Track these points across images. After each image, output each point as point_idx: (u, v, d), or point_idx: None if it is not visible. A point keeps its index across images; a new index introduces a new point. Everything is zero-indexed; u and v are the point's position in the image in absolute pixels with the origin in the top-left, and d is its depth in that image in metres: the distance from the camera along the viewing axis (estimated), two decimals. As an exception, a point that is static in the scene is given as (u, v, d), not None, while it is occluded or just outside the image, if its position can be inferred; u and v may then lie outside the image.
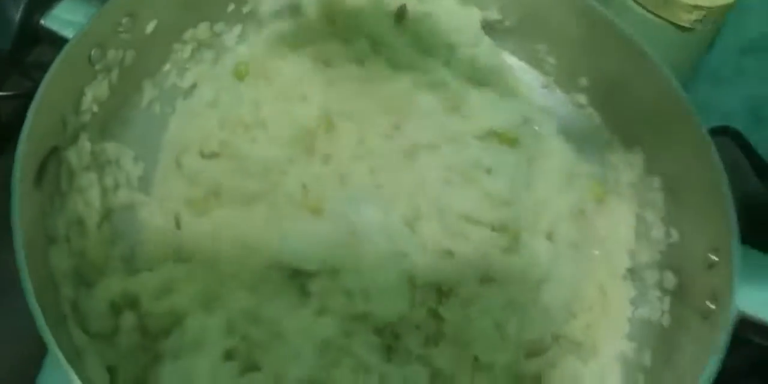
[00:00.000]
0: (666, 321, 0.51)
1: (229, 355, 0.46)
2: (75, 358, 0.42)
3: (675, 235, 0.53)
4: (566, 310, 0.53)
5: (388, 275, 0.49)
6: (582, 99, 0.62)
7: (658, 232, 0.55)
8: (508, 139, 0.58)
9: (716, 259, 0.47)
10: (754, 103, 0.76)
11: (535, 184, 0.57)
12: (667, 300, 0.52)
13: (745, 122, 0.78)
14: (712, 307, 0.45)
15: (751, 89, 0.76)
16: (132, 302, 0.49)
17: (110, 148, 0.55)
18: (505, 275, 0.52)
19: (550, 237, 0.55)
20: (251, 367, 0.46)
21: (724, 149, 0.77)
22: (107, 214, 0.52)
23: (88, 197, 0.52)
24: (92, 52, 0.49)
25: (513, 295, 0.51)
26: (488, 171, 0.55)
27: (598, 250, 0.57)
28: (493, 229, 0.53)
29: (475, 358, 0.49)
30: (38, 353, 0.52)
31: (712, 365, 0.40)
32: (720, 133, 0.79)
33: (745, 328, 0.42)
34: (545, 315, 0.52)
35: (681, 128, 0.53)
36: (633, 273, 0.55)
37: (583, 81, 0.62)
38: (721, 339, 0.41)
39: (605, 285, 0.55)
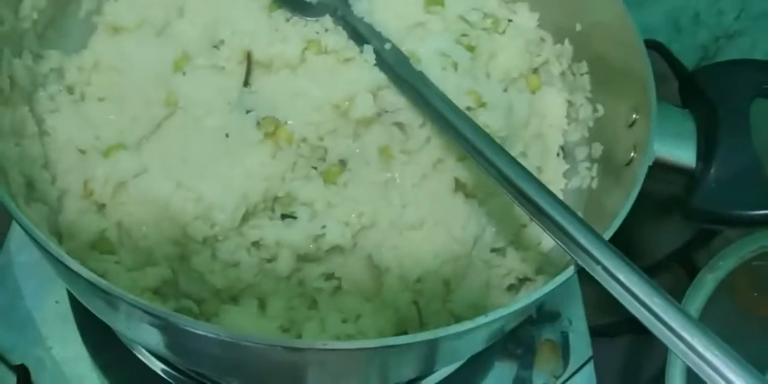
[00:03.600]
0: (594, 184, 0.55)
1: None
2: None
3: (600, 109, 0.57)
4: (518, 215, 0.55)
5: None
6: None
7: (585, 111, 0.58)
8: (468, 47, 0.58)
9: (637, 117, 0.50)
10: (674, 16, 0.81)
11: (515, 107, 0.57)
12: (595, 167, 0.55)
13: (667, 35, 0.83)
14: (633, 156, 0.48)
15: (673, 2, 0.80)
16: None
17: (53, 55, 0.56)
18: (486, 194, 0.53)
19: (524, 156, 0.57)
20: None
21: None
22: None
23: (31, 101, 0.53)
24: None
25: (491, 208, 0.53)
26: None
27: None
28: None
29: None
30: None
31: (633, 195, 0.43)
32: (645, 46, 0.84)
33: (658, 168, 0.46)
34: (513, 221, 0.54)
35: (605, 11, 0.56)
36: (565, 150, 0.59)
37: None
38: (640, 174, 0.44)
39: (541, 165, 0.58)
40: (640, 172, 0.44)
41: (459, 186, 0.51)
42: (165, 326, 0.35)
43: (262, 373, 0.43)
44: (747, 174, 0.45)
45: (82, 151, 0.51)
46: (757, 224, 0.46)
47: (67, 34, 0.57)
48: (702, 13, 0.79)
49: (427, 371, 0.55)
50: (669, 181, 0.47)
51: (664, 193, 0.48)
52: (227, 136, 0.49)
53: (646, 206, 0.45)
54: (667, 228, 0.77)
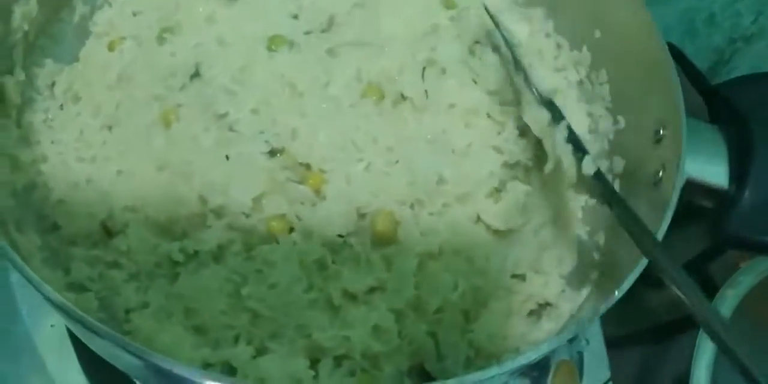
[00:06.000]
0: (617, 201, 0.52)
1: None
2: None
3: (622, 121, 0.54)
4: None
5: None
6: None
7: (605, 122, 0.56)
8: None
9: (664, 133, 0.48)
10: (688, 17, 0.78)
11: None
12: (617, 182, 0.53)
13: (681, 36, 0.80)
14: (662, 175, 0.46)
15: (686, 3, 0.78)
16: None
17: (48, 64, 0.53)
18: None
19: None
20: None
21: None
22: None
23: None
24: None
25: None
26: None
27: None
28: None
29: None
30: None
31: (666, 220, 0.41)
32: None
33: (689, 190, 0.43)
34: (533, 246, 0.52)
35: (627, 17, 0.54)
36: (584, 164, 0.56)
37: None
38: (673, 198, 0.42)
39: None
40: (673, 197, 0.42)
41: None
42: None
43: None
44: (785, 197, 0.43)
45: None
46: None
47: (60, 41, 0.54)
48: (717, 15, 0.76)
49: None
50: (699, 201, 0.45)
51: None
52: (227, 158, 0.45)
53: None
54: (682, 237, 0.75)
